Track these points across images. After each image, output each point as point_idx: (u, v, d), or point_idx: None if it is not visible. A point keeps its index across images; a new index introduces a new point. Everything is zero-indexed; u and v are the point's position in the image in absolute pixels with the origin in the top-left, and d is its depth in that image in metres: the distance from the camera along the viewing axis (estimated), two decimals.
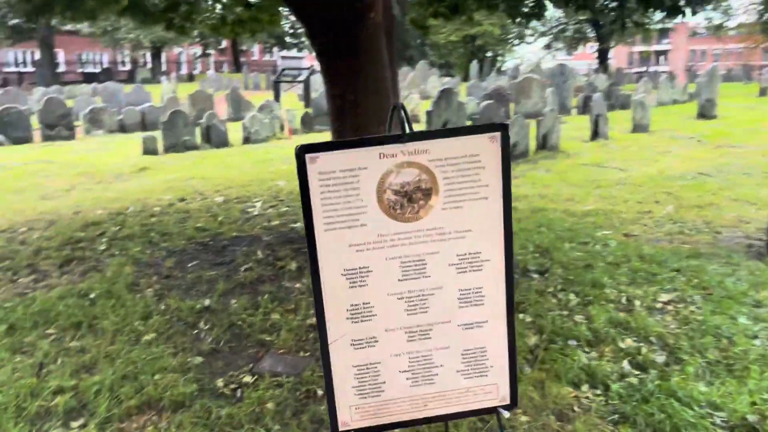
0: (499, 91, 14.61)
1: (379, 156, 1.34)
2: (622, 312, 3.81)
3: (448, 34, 35.00)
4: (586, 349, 3.38)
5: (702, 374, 3.12)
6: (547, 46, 49.42)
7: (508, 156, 1.27)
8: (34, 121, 14.38)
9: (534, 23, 36.78)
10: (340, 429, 1.32)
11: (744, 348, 3.31)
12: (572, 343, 3.43)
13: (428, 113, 8.87)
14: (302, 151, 1.36)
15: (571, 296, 4.01)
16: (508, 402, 1.31)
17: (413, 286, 1.33)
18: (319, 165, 1.34)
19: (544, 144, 10.38)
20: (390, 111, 1.34)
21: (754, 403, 2.85)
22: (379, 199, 1.35)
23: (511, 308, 1.32)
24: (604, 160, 9.76)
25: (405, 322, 1.30)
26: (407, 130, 1.28)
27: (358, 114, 4.15)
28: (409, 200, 1.29)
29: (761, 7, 38.69)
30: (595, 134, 11.42)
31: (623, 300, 3.98)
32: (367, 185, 1.36)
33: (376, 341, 1.31)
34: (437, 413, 1.33)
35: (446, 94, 8.88)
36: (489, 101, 9.81)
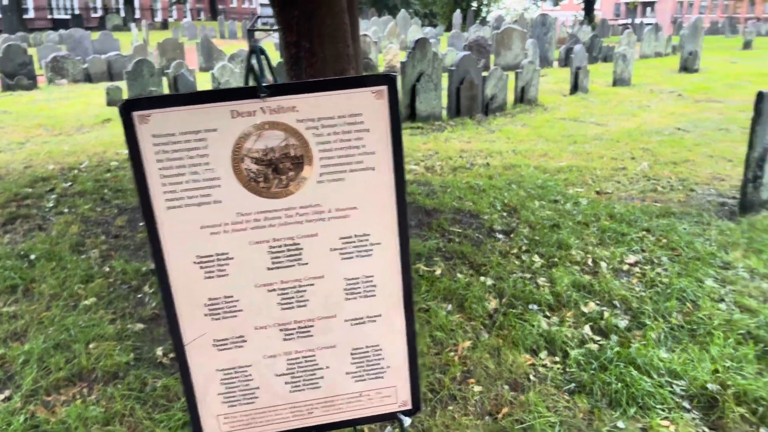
0: (479, 42, 14.19)
1: (231, 114, 1.08)
2: (587, 274, 3.67)
3: None
4: (547, 314, 3.25)
5: (664, 340, 3.00)
6: None
7: (398, 116, 1.03)
8: None
9: None
10: None
11: (709, 312, 3.19)
12: (533, 307, 3.29)
13: (402, 64, 8.51)
14: (127, 108, 1.09)
15: (536, 258, 3.86)
16: (409, 407, 1.13)
17: (287, 275, 1.10)
18: (152, 126, 1.07)
19: (522, 97, 10.11)
20: (247, 57, 1.08)
21: (716, 371, 2.74)
22: (235, 169, 1.09)
23: (410, 299, 1.11)
24: (583, 114, 9.54)
25: (279, 318, 1.08)
26: (268, 82, 1.03)
27: (315, 63, 3.86)
28: (275, 171, 1.03)
29: None
30: (575, 88, 11.16)
31: (589, 262, 3.84)
32: (219, 152, 1.11)
33: (245, 341, 1.09)
34: (325, 421, 1.13)
35: (421, 45, 8.51)
36: (465, 52, 9.44)
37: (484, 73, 9.51)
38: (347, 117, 1.00)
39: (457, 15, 31.42)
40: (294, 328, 1.07)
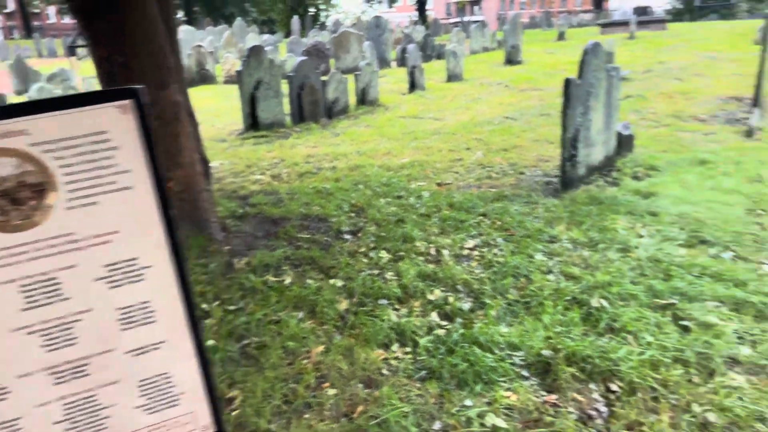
0: (318, 47, 14.29)
1: None
2: (431, 263, 3.82)
3: None
4: (397, 307, 3.33)
5: (503, 316, 3.20)
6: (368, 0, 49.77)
7: (149, 129, 0.98)
8: None
9: None
10: None
11: (540, 284, 3.46)
12: (383, 302, 3.35)
13: (238, 73, 8.32)
14: None
15: (383, 254, 3.95)
16: (212, 430, 1.09)
17: (47, 314, 0.98)
18: None
19: (363, 99, 10.33)
20: None
21: (549, 338, 2.97)
22: None
23: (194, 318, 1.06)
24: (422, 111, 9.96)
25: (46, 361, 0.99)
26: None
27: (131, 78, 3.63)
28: (12, 202, 0.92)
29: None
30: (413, 86, 11.62)
31: (432, 251, 4.00)
32: None
33: (8, 392, 0.98)
34: None
35: (255, 52, 8.37)
36: (303, 57, 9.46)
37: (324, 78, 9.59)
38: (92, 136, 0.92)
39: (296, 21, 31.41)
40: (66, 370, 0.97)
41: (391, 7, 62.91)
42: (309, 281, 3.57)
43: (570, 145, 5.19)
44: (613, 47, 12.04)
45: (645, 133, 7.29)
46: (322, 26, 33.03)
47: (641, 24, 21.06)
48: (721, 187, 4.97)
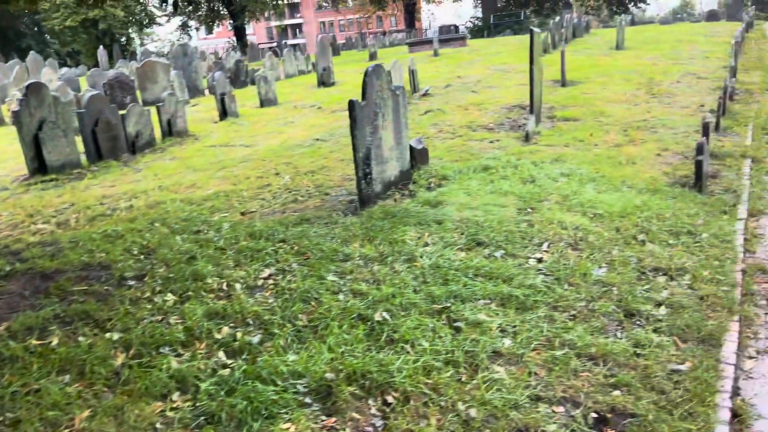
0: (120, 78, 13.46)
1: None
2: (221, 300, 3.70)
3: (63, 18, 31.04)
4: (180, 352, 3.16)
5: (291, 344, 3.17)
6: (183, 26, 48.08)
7: None
8: None
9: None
10: None
11: (328, 306, 3.49)
12: (165, 349, 3.17)
13: (15, 114, 7.51)
14: None
15: (169, 296, 3.75)
16: None
17: None
18: None
19: (170, 130, 9.87)
20: None
21: (333, 359, 2.99)
22: None
23: None
24: (233, 138, 9.77)
25: None
26: None
27: None
28: None
29: None
30: (225, 113, 11.36)
31: (224, 286, 3.88)
32: None
33: None
34: None
35: (34, 90, 7.62)
36: (95, 92, 8.82)
37: (122, 111, 9.02)
38: None
39: (102, 52, 29.40)
40: None
41: (210, 33, 61.42)
42: (81, 339, 3.27)
43: (363, 163, 5.36)
44: (415, 65, 12.76)
45: (442, 144, 7.78)
46: (132, 56, 31.22)
47: (444, 42, 22.68)
48: (500, 190, 5.44)
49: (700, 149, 5.11)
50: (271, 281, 3.95)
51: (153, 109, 9.85)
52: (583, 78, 12.16)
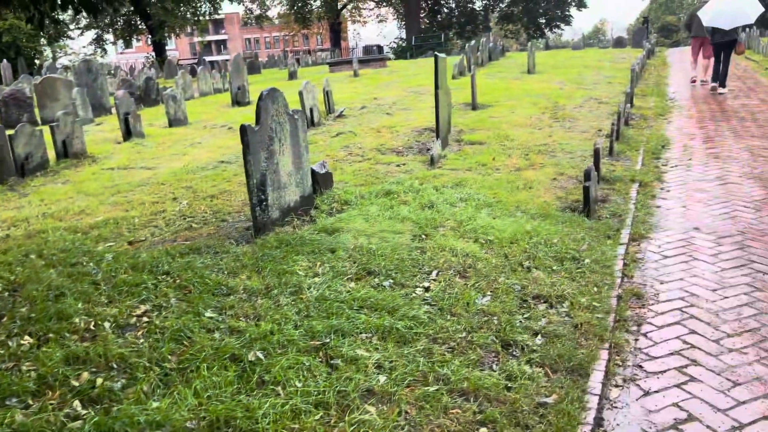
0: (16, 95, 12.67)
1: None
2: (86, 342, 3.43)
3: None
4: (30, 403, 2.88)
5: (155, 389, 2.97)
6: (98, 40, 46.24)
7: None
8: None
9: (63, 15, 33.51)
10: None
11: (200, 345, 3.30)
12: (11, 401, 2.88)
13: None
14: None
15: (26, 339, 3.44)
16: None
17: None
18: None
19: (65, 151, 9.33)
20: None
21: (200, 405, 2.81)
22: None
23: None
24: (134, 160, 9.34)
25: None
26: None
27: None
28: None
29: None
30: (128, 134, 10.88)
31: (92, 326, 3.61)
32: None
33: None
34: None
35: None
36: None
37: (10, 131, 8.44)
38: None
39: (6, 65, 27.68)
40: None
41: (128, 47, 59.36)
42: None
43: (258, 190, 5.20)
44: (330, 86, 12.72)
45: (350, 168, 7.72)
46: (39, 71, 29.57)
47: (365, 62, 22.85)
48: (398, 216, 5.41)
49: (587, 175, 5.29)
50: (145, 319, 3.72)
51: (44, 129, 9.28)
52: (494, 101, 12.50)
